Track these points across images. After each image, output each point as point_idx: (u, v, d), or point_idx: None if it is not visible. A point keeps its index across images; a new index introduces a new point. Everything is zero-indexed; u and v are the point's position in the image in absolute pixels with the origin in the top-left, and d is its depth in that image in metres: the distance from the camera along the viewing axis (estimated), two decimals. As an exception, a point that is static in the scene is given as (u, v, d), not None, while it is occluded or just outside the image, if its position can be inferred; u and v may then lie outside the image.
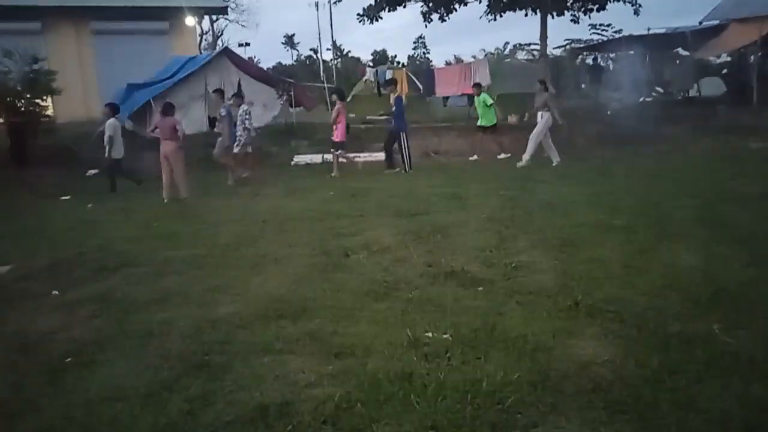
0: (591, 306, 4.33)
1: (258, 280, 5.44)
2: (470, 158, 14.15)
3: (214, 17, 41.80)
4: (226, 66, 17.91)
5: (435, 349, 3.73)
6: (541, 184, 10.22)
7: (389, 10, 20.77)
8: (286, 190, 11.14)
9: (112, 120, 11.72)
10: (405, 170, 12.64)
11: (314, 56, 69.59)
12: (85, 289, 5.34)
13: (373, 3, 20.49)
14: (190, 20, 23.58)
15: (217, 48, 28.10)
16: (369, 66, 31.32)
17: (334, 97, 13.30)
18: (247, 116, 12.37)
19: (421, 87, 23.26)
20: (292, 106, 19.24)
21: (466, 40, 50.19)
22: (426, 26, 22.77)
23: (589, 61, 28.33)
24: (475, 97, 14.87)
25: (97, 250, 6.70)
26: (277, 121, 19.05)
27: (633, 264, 5.34)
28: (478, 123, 14.61)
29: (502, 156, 13.70)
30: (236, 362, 3.69)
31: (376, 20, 21.40)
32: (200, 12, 24.51)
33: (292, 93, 18.93)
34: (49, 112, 15.69)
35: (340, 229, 7.34)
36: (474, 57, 28.33)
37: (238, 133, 12.26)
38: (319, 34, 71.92)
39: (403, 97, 13.91)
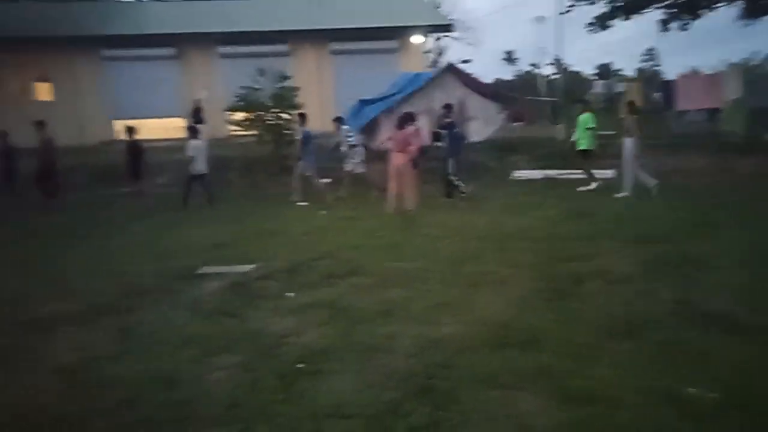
0: None
1: (481, 300, 5.16)
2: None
3: (438, 35, 43.11)
4: (451, 82, 18.11)
5: (700, 409, 3.09)
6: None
7: (625, 18, 19.34)
8: (505, 206, 10.75)
9: (194, 141, 12.10)
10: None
11: (533, 71, 68.20)
12: (316, 293, 5.53)
13: (606, 11, 19.26)
14: (417, 38, 24.41)
15: (439, 64, 28.82)
16: (596, 79, 29.53)
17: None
18: (350, 135, 12.84)
19: (658, 100, 21.28)
20: (513, 121, 18.84)
21: (703, 50, 44.79)
22: (661, 34, 20.79)
23: None
24: (579, 117, 13.02)
25: (328, 256, 6.98)
26: (497, 135, 18.76)
27: None
28: (577, 146, 12.80)
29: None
30: (462, 392, 3.43)
31: (606, 29, 20.20)
32: (427, 30, 25.28)
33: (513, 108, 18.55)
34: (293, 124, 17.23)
35: (568, 252, 6.76)
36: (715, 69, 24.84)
37: (346, 151, 12.67)
38: (540, 48, 70.17)
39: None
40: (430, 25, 24.89)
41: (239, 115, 16.74)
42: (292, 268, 6.43)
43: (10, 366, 4.18)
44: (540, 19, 43.27)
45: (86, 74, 23.00)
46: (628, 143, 11.36)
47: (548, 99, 25.13)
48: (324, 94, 23.15)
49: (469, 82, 18.36)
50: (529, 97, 24.41)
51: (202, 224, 9.71)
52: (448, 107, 12.41)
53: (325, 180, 12.80)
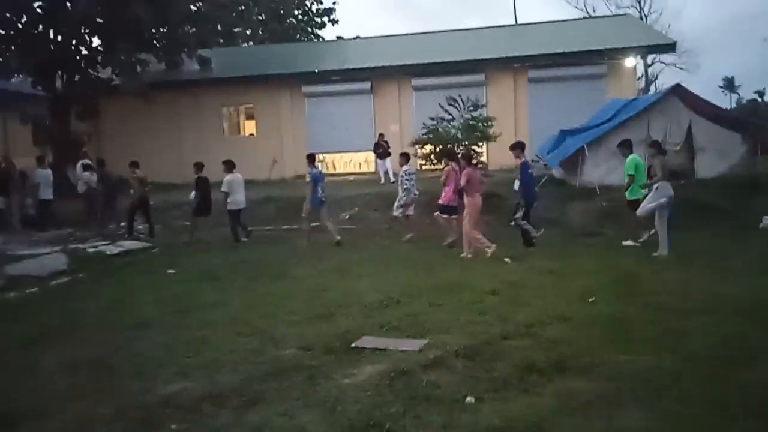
0: None
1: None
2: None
3: (648, 60, 38.90)
4: (675, 106, 15.11)
5: None
6: None
7: None
8: (760, 266, 7.98)
9: (41, 170, 12.87)
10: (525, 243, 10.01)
11: (759, 99, 59.11)
12: (510, 405, 3.74)
13: None
14: (630, 61, 21.55)
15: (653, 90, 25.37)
16: None
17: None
18: (407, 177, 11.72)
19: None
20: (758, 154, 15.27)
21: None
22: None
23: None
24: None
25: (524, 333, 5.18)
26: (734, 171, 15.24)
27: None
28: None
29: None
30: None
31: None
32: (644, 51, 22.27)
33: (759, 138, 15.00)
34: (483, 158, 15.66)
35: None
36: None
37: (400, 194, 11.73)
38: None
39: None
40: (645, 46, 21.91)
41: (428, 148, 15.55)
42: (474, 350, 4.73)
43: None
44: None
45: (287, 110, 23.76)
46: (661, 187, 9.30)
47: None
48: (519, 126, 21.27)
49: (700, 106, 15.20)
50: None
51: (372, 269, 8.46)
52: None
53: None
